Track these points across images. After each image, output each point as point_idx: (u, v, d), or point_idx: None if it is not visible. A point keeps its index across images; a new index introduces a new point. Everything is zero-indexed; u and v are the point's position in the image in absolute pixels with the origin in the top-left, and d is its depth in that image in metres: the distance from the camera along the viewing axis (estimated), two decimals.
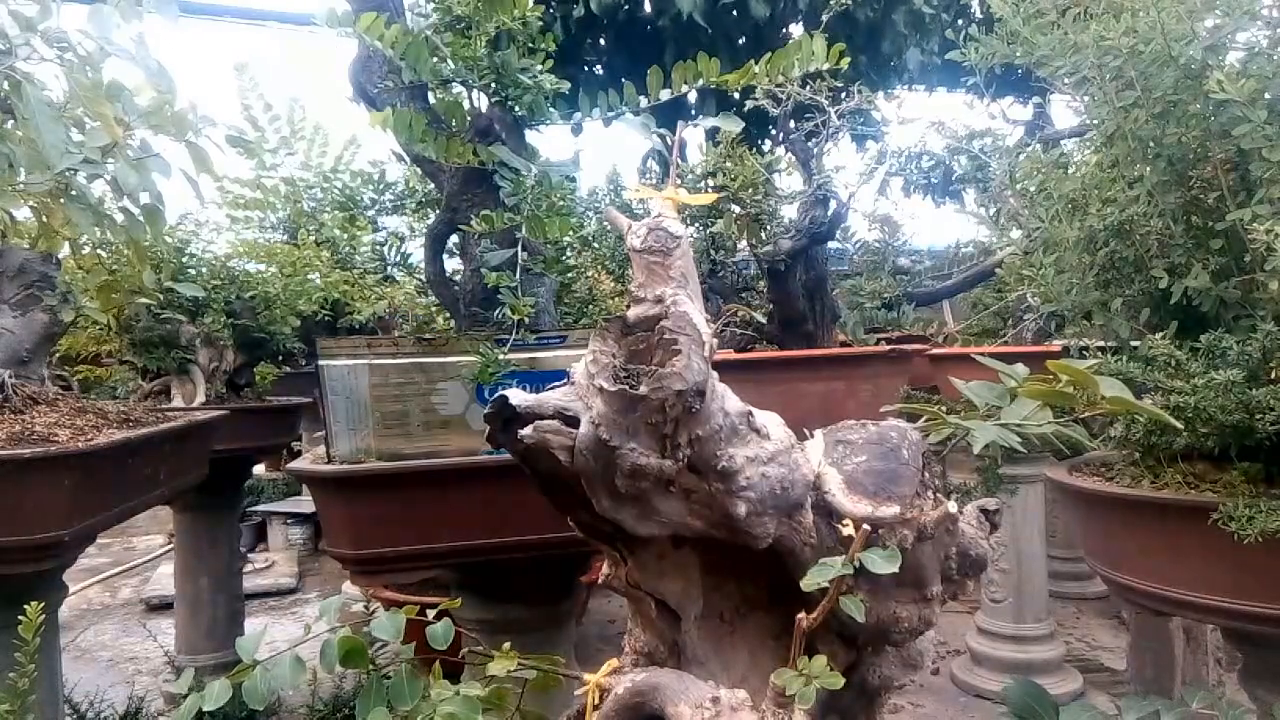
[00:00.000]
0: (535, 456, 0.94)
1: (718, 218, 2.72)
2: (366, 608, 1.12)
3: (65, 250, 2.06)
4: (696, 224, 2.78)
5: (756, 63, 1.66)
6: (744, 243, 2.81)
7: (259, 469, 6.03)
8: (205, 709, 1.00)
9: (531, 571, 1.69)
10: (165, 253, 2.70)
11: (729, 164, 2.66)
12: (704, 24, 5.14)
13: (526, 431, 0.91)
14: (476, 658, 1.14)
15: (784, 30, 5.63)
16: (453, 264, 2.27)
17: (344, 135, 3.74)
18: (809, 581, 0.87)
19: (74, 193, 1.65)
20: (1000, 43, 1.56)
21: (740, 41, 5.39)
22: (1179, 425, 1.17)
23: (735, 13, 5.24)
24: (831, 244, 2.84)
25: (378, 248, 3.70)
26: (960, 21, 5.89)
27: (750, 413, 0.93)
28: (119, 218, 1.76)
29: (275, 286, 2.96)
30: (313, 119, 3.65)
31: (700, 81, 1.63)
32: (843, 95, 2.57)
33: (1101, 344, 1.47)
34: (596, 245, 3.24)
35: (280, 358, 3.29)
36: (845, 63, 1.67)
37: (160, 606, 4.57)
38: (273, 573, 5.26)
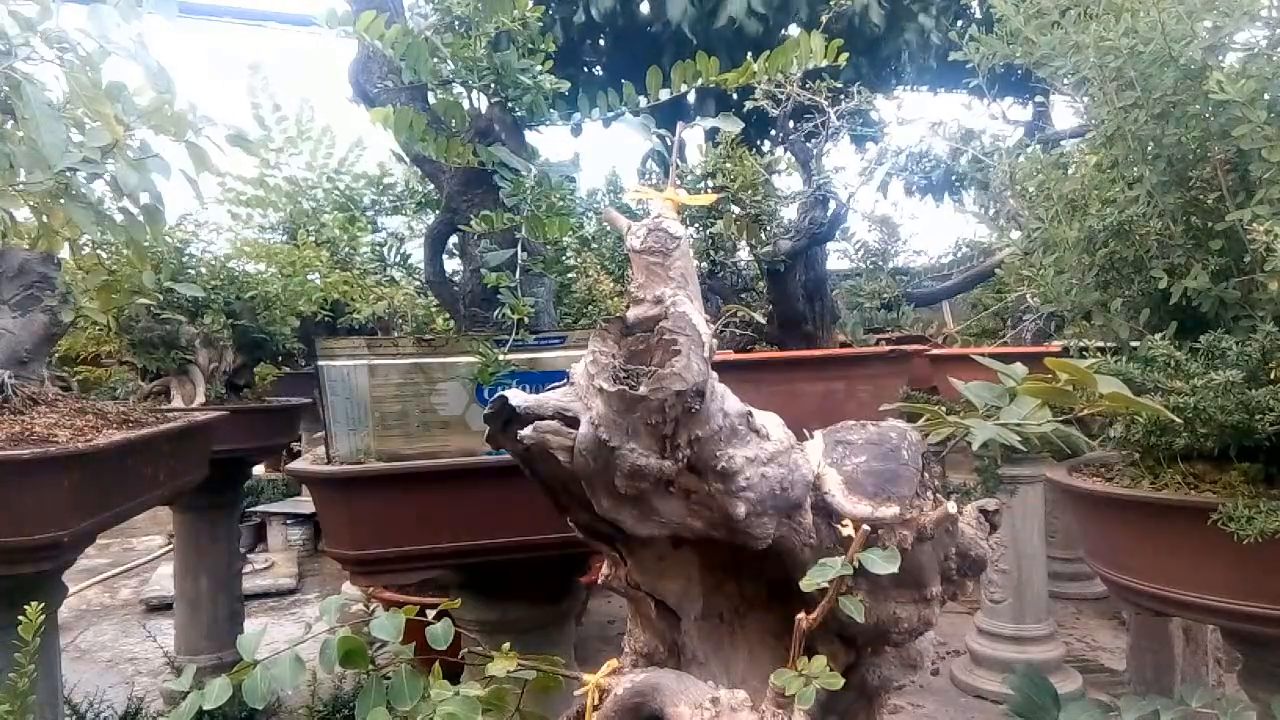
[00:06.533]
0: (535, 457, 0.94)
1: (717, 218, 2.72)
2: (366, 607, 1.12)
3: (65, 250, 2.06)
4: (696, 224, 2.78)
5: (755, 61, 1.66)
6: (743, 243, 2.81)
7: (259, 469, 6.02)
8: (205, 707, 1.00)
9: (531, 571, 1.69)
10: (165, 253, 2.70)
11: (729, 164, 2.66)
12: (691, 35, 5.17)
13: (526, 432, 0.91)
14: (476, 658, 1.14)
15: (782, 32, 5.64)
16: (453, 264, 2.27)
17: (350, 137, 3.74)
18: (808, 582, 0.87)
19: (74, 193, 1.65)
20: (1001, 43, 1.56)
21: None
22: (1177, 421, 1.17)
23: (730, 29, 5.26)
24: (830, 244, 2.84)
25: (377, 248, 3.70)
26: (960, 22, 5.90)
27: (750, 413, 0.93)
28: (119, 218, 1.76)
29: (275, 287, 2.96)
30: (321, 120, 3.66)
31: (699, 81, 1.63)
32: (842, 96, 2.57)
33: (1101, 344, 1.47)
34: (596, 246, 3.24)
35: (280, 358, 3.29)
36: (844, 58, 1.67)
37: (160, 607, 4.57)
38: (272, 573, 5.26)
